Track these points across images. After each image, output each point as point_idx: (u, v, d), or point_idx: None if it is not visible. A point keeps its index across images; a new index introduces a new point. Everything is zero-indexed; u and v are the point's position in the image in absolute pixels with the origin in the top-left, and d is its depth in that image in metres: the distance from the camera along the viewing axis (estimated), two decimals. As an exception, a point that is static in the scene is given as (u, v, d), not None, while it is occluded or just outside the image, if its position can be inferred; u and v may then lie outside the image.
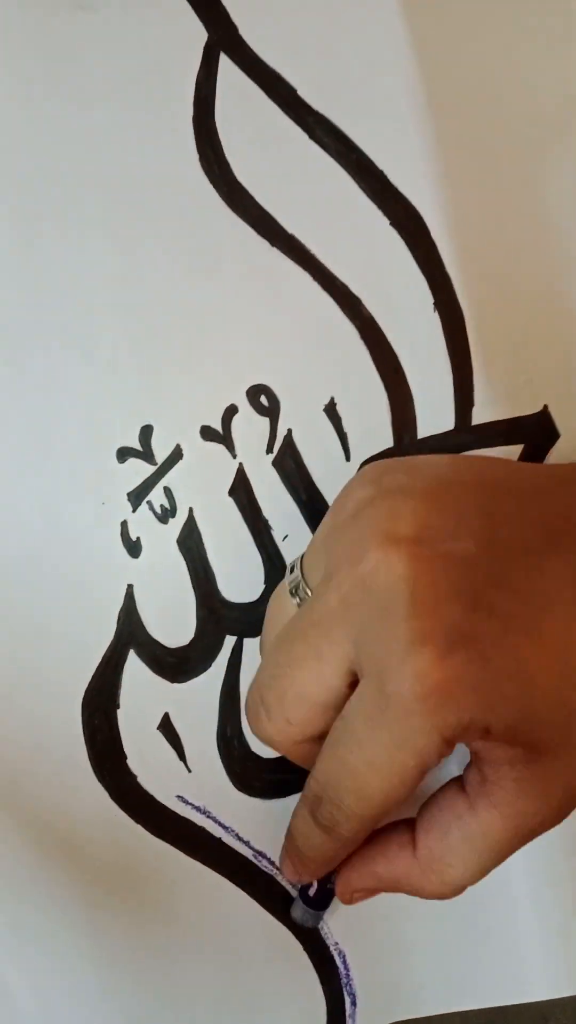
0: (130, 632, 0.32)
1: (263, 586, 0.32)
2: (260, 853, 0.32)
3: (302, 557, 0.29)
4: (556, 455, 0.33)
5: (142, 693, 0.32)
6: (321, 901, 0.31)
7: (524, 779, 0.25)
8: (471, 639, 0.24)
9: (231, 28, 0.31)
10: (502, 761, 0.25)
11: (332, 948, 0.33)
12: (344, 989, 0.33)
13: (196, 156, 0.31)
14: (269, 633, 0.30)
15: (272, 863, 0.32)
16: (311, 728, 0.27)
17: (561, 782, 0.25)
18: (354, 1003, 0.33)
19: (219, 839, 0.32)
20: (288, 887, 0.32)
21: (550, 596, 0.25)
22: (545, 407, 0.32)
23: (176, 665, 0.32)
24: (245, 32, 0.32)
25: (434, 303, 0.32)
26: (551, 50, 0.33)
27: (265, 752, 0.32)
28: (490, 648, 0.24)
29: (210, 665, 0.32)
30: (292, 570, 0.29)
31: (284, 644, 0.27)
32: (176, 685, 0.32)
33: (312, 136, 0.32)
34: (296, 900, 0.32)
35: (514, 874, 0.31)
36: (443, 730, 0.24)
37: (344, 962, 0.33)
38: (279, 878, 0.32)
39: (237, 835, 0.32)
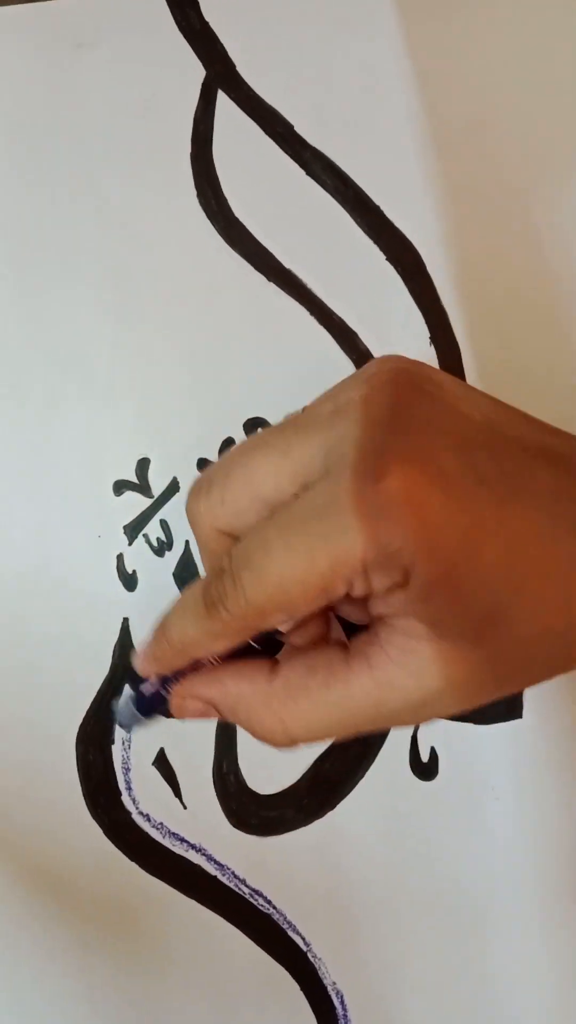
0: (125, 666, 0.31)
1: (259, 620, 0.32)
2: (256, 891, 0.32)
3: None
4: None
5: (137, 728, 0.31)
6: (149, 704, 0.28)
7: (418, 653, 0.23)
8: (442, 477, 0.22)
9: (229, 65, 0.32)
10: (405, 630, 0.23)
11: (330, 988, 0.32)
12: (341, 1030, 0.32)
13: (194, 192, 0.32)
14: None
15: (268, 902, 0.32)
16: (237, 518, 0.25)
17: (461, 674, 0.23)
18: (351, 1045, 0.32)
19: (214, 877, 0.32)
20: (281, 917, 0.32)
21: (527, 487, 0.24)
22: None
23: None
24: (243, 69, 0.32)
25: (430, 337, 0.32)
26: (548, 84, 0.33)
27: (261, 788, 0.32)
28: (456, 496, 0.22)
29: (206, 700, 0.32)
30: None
31: (256, 436, 0.25)
32: (171, 720, 0.31)
33: (309, 172, 0.32)
34: (125, 692, 0.29)
35: (517, 919, 0.31)
36: (369, 541, 0.22)
37: (342, 1002, 0.32)
38: (275, 917, 0.32)
39: (232, 873, 0.32)
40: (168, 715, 0.27)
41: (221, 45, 0.32)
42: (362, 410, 0.23)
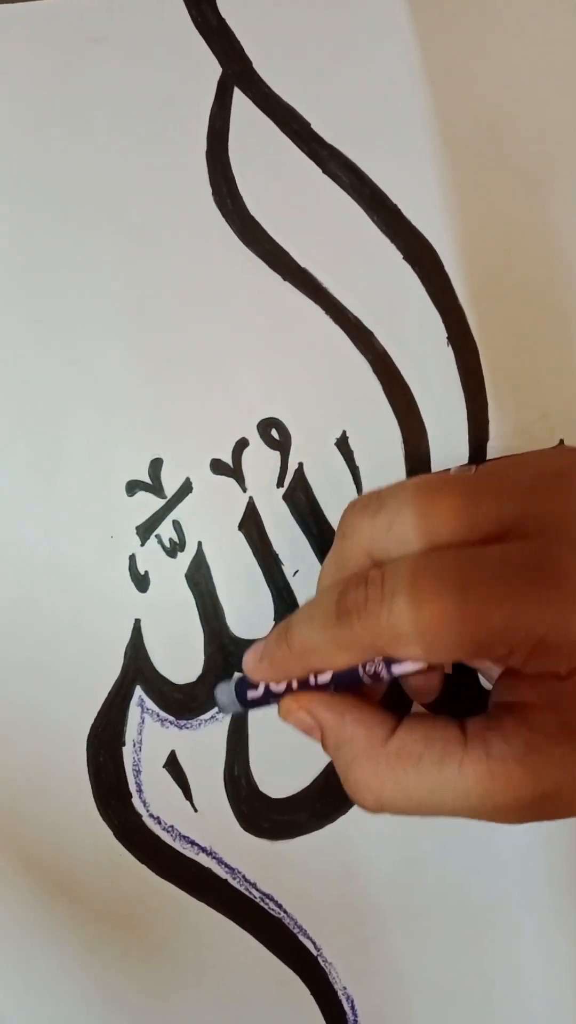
0: (137, 668, 0.31)
1: (272, 622, 0.31)
2: (267, 895, 0.31)
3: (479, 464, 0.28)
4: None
5: (148, 730, 0.31)
6: (251, 702, 0.28)
7: (545, 753, 0.22)
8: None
9: (245, 62, 0.31)
10: (536, 724, 0.22)
11: (340, 993, 0.32)
12: (352, 1036, 0.32)
13: (209, 190, 0.31)
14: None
15: (279, 905, 0.31)
16: (397, 548, 0.24)
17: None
18: (362, 1051, 0.32)
19: (225, 880, 0.31)
20: (291, 921, 0.31)
21: None
22: (561, 442, 0.32)
23: (183, 702, 0.31)
24: (259, 66, 0.32)
25: (448, 337, 0.32)
26: (564, 79, 0.33)
27: (273, 792, 0.31)
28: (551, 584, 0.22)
29: (218, 702, 0.31)
30: (465, 466, 0.28)
31: (441, 479, 0.25)
32: (183, 722, 0.31)
33: (325, 170, 0.32)
34: (229, 680, 0.29)
35: (528, 925, 0.31)
36: (560, 619, 0.21)
37: (352, 1008, 0.32)
38: (286, 921, 0.31)
39: (244, 877, 0.31)
40: (264, 705, 0.27)
41: (238, 42, 0.31)
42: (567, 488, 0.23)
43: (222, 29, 0.31)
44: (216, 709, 0.31)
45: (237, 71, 0.31)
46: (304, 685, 0.26)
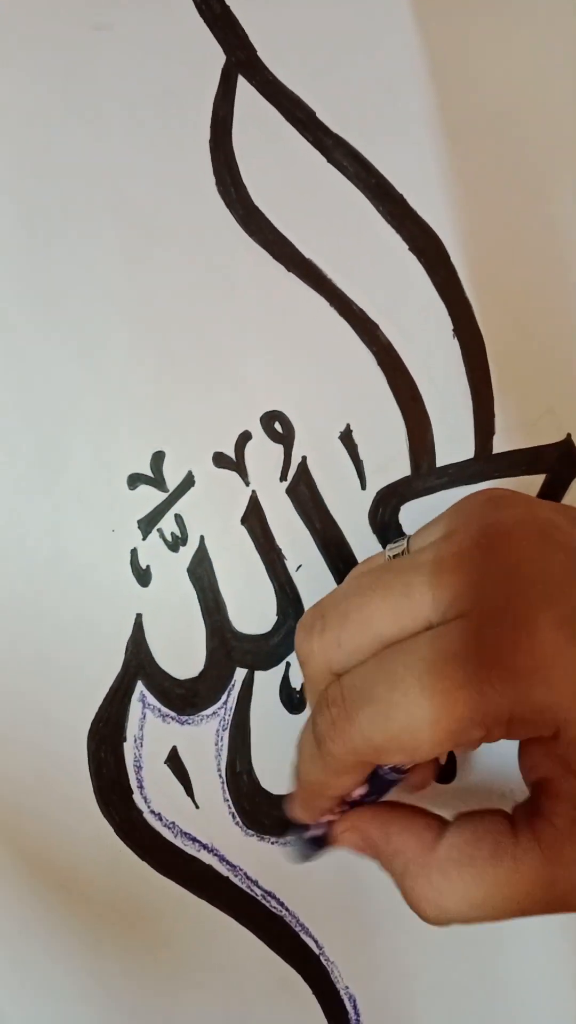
0: (138, 663, 0.31)
1: (275, 618, 0.31)
2: (269, 893, 0.31)
3: (409, 537, 0.27)
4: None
5: (150, 725, 0.31)
6: (316, 842, 0.28)
7: None
8: None
9: (249, 50, 0.31)
10: (568, 795, 0.22)
11: (342, 992, 0.32)
12: (354, 1035, 0.32)
13: (213, 179, 0.31)
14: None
15: (281, 903, 0.31)
16: (353, 657, 0.24)
17: None
18: (364, 1050, 0.32)
19: (226, 878, 0.31)
20: (293, 919, 0.31)
21: None
22: (568, 436, 0.32)
23: (185, 697, 0.31)
24: (263, 54, 0.31)
25: (453, 330, 0.31)
26: (567, 68, 0.32)
27: (275, 788, 0.31)
28: None
29: (220, 698, 0.31)
30: (395, 543, 0.27)
31: (373, 574, 0.25)
32: (185, 718, 0.31)
33: (330, 159, 0.31)
34: (295, 833, 0.29)
35: (532, 923, 0.30)
36: (520, 696, 0.21)
37: (355, 1006, 0.32)
38: (288, 919, 0.31)
39: (245, 874, 0.31)
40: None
41: (242, 29, 0.31)
42: (488, 559, 0.23)
43: (226, 16, 0.31)
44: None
45: (241, 59, 0.31)
46: (350, 802, 0.26)
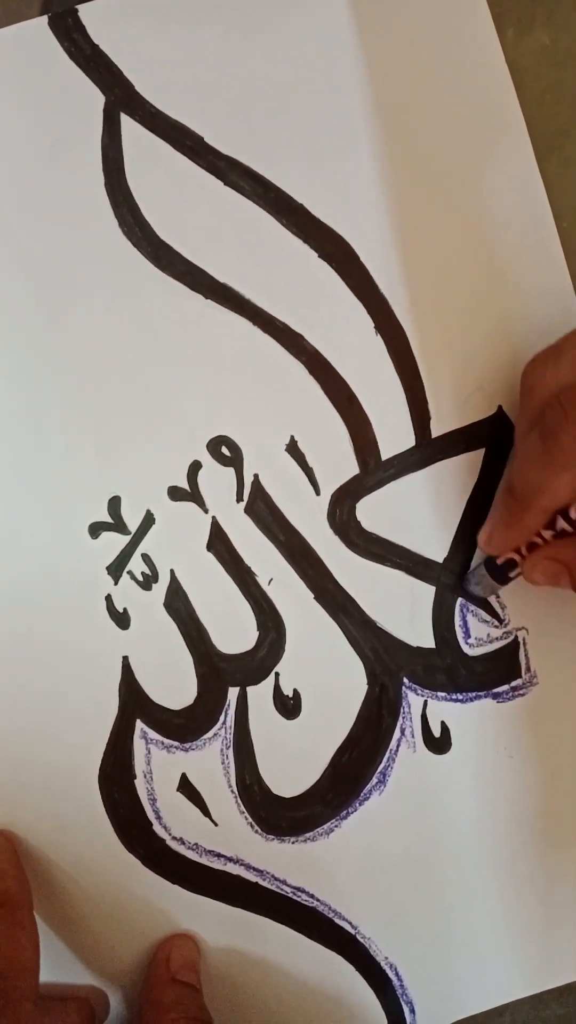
0: (134, 703, 0.32)
1: (256, 633, 0.32)
2: (298, 889, 0.33)
3: None
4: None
5: (156, 759, 0.32)
6: (503, 571, 0.31)
7: None
8: None
9: (127, 87, 0.31)
10: None
11: (383, 963, 0.33)
12: (401, 999, 0.33)
13: (115, 222, 0.31)
14: None
15: (312, 895, 0.33)
16: None
17: None
18: (412, 1011, 0.33)
19: (255, 883, 0.32)
20: (325, 907, 0.32)
21: None
22: (499, 408, 0.33)
23: (184, 725, 0.32)
24: (141, 88, 0.31)
25: (375, 327, 0.32)
26: (470, 58, 0.32)
27: (285, 792, 0.32)
28: None
29: (218, 719, 0.32)
30: None
31: None
32: (188, 744, 0.32)
33: (227, 181, 0.31)
34: (475, 568, 0.32)
35: (545, 865, 0.32)
36: None
37: (396, 974, 0.33)
38: (320, 908, 0.33)
39: (272, 876, 0.32)
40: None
41: (116, 67, 0.31)
42: None
43: (97, 56, 0.31)
44: (217, 726, 0.32)
45: (120, 96, 0.31)
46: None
